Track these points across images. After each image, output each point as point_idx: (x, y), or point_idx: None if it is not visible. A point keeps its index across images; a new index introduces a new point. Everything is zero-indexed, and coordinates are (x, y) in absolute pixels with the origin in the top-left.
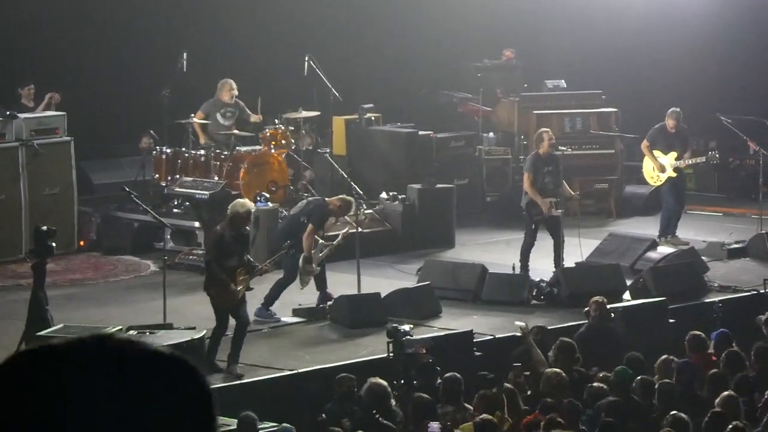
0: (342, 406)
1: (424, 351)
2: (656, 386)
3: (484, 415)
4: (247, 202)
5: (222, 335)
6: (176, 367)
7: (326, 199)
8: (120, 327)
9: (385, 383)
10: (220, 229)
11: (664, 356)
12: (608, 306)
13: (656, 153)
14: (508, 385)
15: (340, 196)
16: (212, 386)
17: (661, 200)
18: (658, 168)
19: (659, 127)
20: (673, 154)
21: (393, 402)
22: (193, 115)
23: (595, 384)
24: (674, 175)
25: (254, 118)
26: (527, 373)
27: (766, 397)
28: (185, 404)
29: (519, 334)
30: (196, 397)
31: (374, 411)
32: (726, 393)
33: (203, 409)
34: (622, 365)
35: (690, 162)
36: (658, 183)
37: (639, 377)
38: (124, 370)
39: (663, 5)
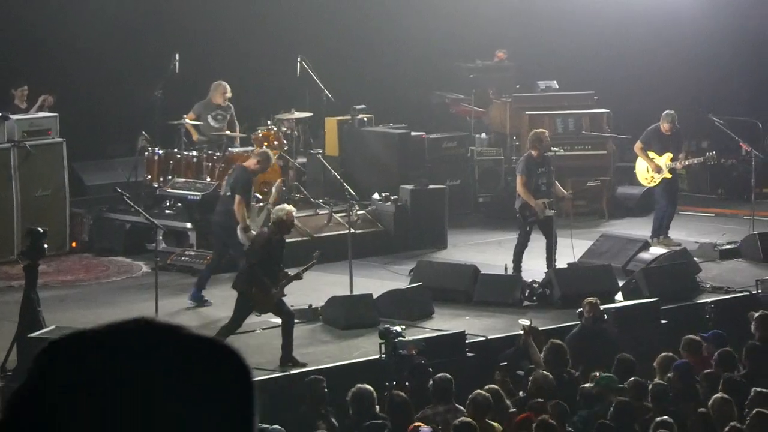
0: (315, 407)
1: (415, 352)
2: (650, 387)
3: (463, 418)
4: (287, 207)
5: (232, 334)
6: (220, 352)
7: (243, 164)
8: None
9: (370, 388)
10: (267, 234)
11: (664, 353)
12: (601, 307)
13: (650, 154)
14: (494, 386)
15: (256, 152)
16: (253, 374)
17: (654, 201)
18: (654, 169)
19: (653, 129)
20: (668, 155)
21: (377, 408)
22: (185, 116)
23: (587, 385)
24: (669, 176)
25: (237, 132)
26: (520, 372)
27: (752, 394)
28: (227, 389)
29: (522, 331)
30: (237, 382)
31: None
32: (718, 396)
33: (244, 395)
34: (609, 373)
35: (687, 162)
36: (653, 184)
37: (632, 378)
38: (167, 352)
39: (655, 7)
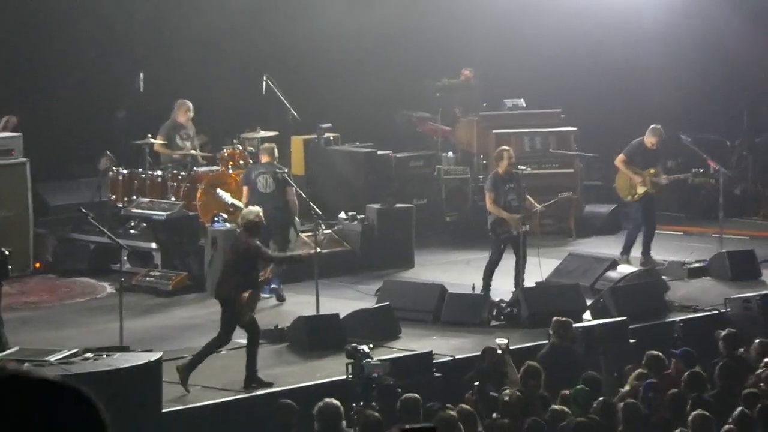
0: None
1: (383, 372)
2: (621, 406)
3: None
4: (255, 209)
5: (224, 345)
6: (71, 396)
7: (266, 162)
8: (76, 350)
9: (337, 403)
10: (243, 241)
11: (639, 370)
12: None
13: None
14: (466, 407)
15: (262, 147)
16: (105, 416)
17: (631, 217)
18: (639, 182)
19: (637, 143)
20: (651, 171)
21: (344, 423)
22: (150, 135)
23: (557, 407)
24: (653, 191)
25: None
26: (494, 394)
27: (736, 414)
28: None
29: (498, 351)
30: (91, 425)
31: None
32: (698, 413)
33: None
34: (579, 385)
35: (673, 178)
36: (635, 199)
37: (601, 398)
38: (18, 399)
39: (622, 24)
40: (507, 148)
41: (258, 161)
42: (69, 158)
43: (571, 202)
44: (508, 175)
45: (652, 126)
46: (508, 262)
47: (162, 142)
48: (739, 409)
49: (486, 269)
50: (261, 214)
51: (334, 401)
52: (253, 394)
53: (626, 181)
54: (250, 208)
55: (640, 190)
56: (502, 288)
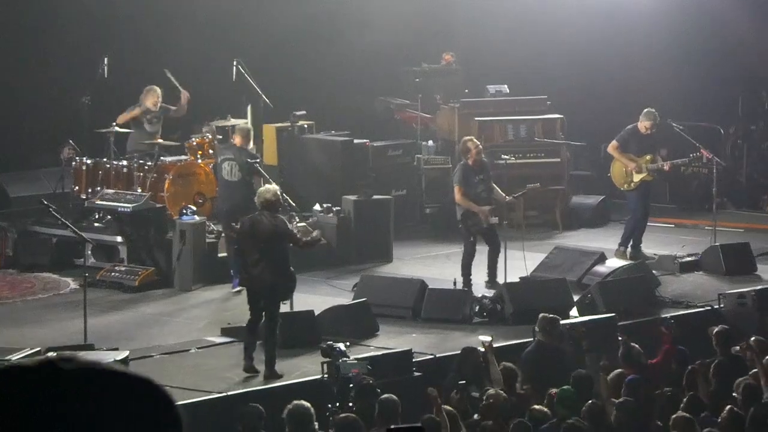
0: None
1: (360, 371)
2: (617, 403)
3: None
4: (271, 187)
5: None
6: (144, 388)
7: (237, 145)
8: (38, 349)
9: (308, 404)
10: (280, 220)
11: (618, 371)
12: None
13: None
14: (448, 407)
15: (238, 128)
16: (180, 409)
17: (630, 208)
18: (635, 169)
19: (631, 129)
20: (648, 157)
21: (316, 425)
22: (114, 123)
23: (537, 407)
24: (650, 178)
25: (182, 105)
26: (475, 394)
27: (725, 413)
28: (153, 427)
29: (482, 349)
30: (164, 419)
31: None
32: (681, 414)
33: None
34: (568, 385)
35: (671, 163)
36: (632, 187)
37: (590, 401)
38: (89, 392)
39: (609, 8)
40: (470, 137)
41: (230, 143)
42: (30, 147)
43: (557, 194)
44: (478, 166)
45: (645, 110)
46: (486, 255)
47: (124, 122)
48: (728, 408)
49: (463, 263)
50: (278, 192)
51: (304, 403)
52: (224, 394)
53: (621, 169)
54: (266, 186)
55: (637, 177)
56: (485, 282)
